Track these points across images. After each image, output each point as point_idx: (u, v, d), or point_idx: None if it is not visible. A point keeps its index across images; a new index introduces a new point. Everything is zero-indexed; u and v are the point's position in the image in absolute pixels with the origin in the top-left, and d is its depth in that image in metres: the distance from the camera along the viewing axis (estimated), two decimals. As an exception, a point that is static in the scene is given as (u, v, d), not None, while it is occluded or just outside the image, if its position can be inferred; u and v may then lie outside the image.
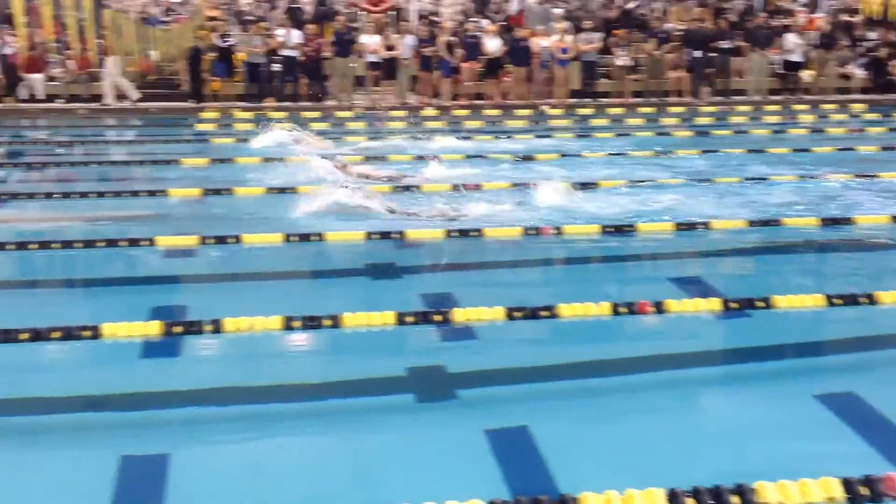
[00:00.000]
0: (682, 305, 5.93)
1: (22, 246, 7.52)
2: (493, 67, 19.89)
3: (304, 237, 7.87)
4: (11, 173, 11.61)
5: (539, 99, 19.88)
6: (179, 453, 4.16)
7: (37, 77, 19.04)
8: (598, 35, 20.25)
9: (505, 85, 20.10)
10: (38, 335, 5.20)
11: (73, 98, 19.32)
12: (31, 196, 9.80)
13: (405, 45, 19.61)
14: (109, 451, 4.15)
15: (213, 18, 20.86)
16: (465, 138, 14.91)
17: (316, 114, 18.09)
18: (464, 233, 8.07)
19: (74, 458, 4.21)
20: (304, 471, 4.08)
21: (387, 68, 19.58)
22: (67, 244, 7.55)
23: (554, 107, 19.28)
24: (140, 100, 19.19)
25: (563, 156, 12.77)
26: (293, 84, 19.80)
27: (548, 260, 7.89)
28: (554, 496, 3.37)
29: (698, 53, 20.09)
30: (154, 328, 5.40)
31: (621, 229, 8.32)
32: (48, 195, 9.71)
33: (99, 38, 19.59)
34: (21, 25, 19.56)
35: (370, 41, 19.58)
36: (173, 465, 4.04)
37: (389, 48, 19.57)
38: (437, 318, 5.65)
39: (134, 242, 7.60)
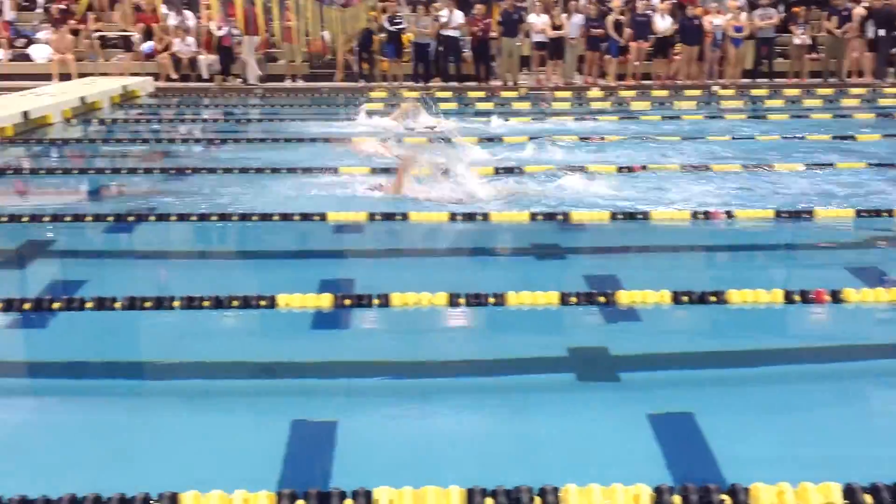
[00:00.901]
0: (861, 295, 5.66)
1: (203, 217, 7.90)
2: (663, 46, 19.47)
3: (470, 216, 7.94)
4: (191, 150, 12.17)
5: (710, 79, 19.34)
6: (346, 421, 4.25)
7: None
8: (775, 11, 19.48)
9: (674, 65, 19.65)
10: (220, 303, 5.45)
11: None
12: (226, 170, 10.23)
13: (572, 25, 19.44)
14: (281, 416, 4.28)
15: (384, 0, 21.32)
16: (630, 119, 14.70)
17: (481, 93, 18.18)
18: (630, 215, 7.95)
19: (248, 421, 4.36)
20: (465, 446, 4.11)
21: (553, 48, 19.46)
22: (245, 217, 7.88)
23: (726, 87, 18.71)
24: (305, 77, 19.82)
25: (734, 138, 12.38)
26: (459, 64, 19.97)
27: (717, 245, 7.69)
28: (722, 486, 3.29)
29: (883, 32, 19.03)
30: (325, 300, 5.56)
31: (797, 215, 8.00)
32: (227, 171, 10.15)
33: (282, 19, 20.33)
34: (214, 8, 20.47)
35: (537, 21, 19.51)
36: (341, 433, 4.13)
37: (556, 28, 19.44)
38: (601, 299, 5.59)
39: (306, 217, 7.86)
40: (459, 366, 5.10)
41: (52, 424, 4.37)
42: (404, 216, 7.86)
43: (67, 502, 3.11)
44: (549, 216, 8.01)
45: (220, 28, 20.03)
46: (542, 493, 3.16)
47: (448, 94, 18.25)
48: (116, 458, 3.95)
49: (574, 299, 5.55)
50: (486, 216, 7.92)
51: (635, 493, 3.16)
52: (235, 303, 5.46)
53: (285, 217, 7.78)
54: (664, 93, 18.32)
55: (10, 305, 5.42)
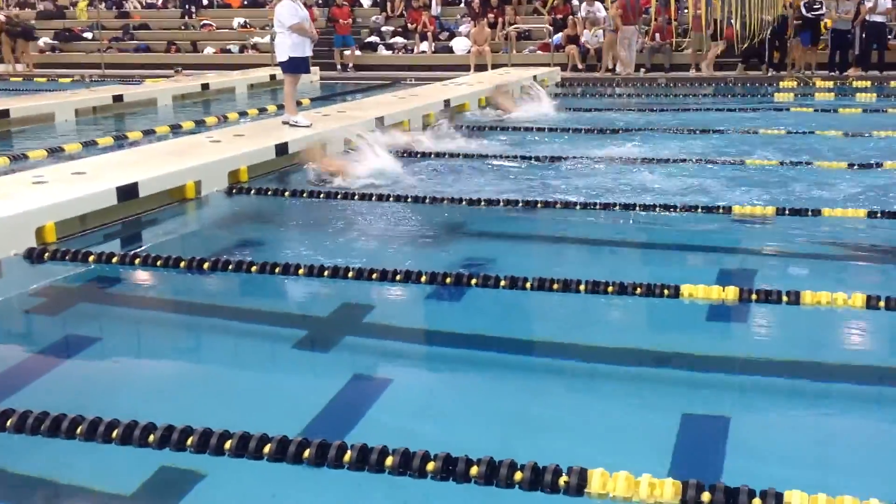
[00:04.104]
0: None
1: (607, 206, 8.07)
2: None
3: (891, 214, 7.39)
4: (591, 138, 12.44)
5: None
6: (740, 418, 4.18)
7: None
8: None
9: None
10: (624, 289, 5.57)
11: (654, 68, 20.19)
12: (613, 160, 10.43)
13: None
14: (671, 408, 4.27)
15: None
16: None
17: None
18: None
19: (637, 409, 4.38)
20: (874, 453, 3.88)
21: None
22: (648, 208, 7.95)
23: None
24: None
25: None
26: (883, 52, 18.50)
27: None
28: None
29: None
30: (730, 293, 5.47)
31: None
32: (629, 160, 10.28)
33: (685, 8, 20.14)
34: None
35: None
36: (733, 429, 4.06)
37: None
38: None
39: (709, 210, 7.77)
40: (866, 371, 4.79)
41: (463, 389, 4.71)
42: (816, 212, 7.50)
43: (487, 463, 3.36)
44: None
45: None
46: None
47: (867, 83, 16.97)
48: (519, 427, 4.17)
49: None
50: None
51: None
52: (639, 290, 5.54)
53: (687, 209, 7.77)
54: None
55: (433, 278, 5.93)
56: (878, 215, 7.43)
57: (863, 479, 3.61)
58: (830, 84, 17.41)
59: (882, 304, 5.13)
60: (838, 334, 5.35)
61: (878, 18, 18.30)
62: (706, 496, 3.17)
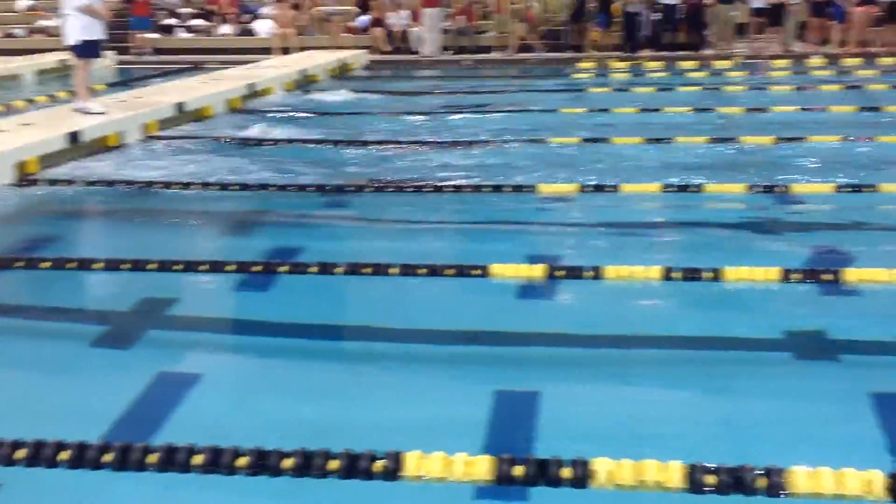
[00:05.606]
0: None
1: (418, 189, 8.09)
2: (893, 12, 18.22)
3: (683, 188, 7.76)
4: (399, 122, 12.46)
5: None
6: (550, 391, 4.26)
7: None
8: None
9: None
10: (434, 270, 5.58)
11: (460, 50, 20.45)
12: (423, 143, 10.47)
13: (795, -11, 18.52)
14: (485, 385, 4.31)
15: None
16: (853, 88, 13.91)
17: (693, 63, 17.63)
18: (855, 187, 7.53)
19: (453, 388, 4.43)
20: (673, 421, 4.04)
21: (773, 14, 18.59)
22: (458, 187, 8.02)
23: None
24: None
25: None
26: (672, 33, 19.45)
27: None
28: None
29: None
30: (538, 271, 5.59)
31: None
32: (437, 143, 10.35)
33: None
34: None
35: (757, -14, 18.70)
36: (544, 403, 4.15)
37: (778, -8, 18.58)
38: (826, 277, 5.33)
39: (517, 188, 7.93)
40: (670, 340, 5.00)
41: (276, 380, 4.60)
42: (615, 188, 7.78)
43: (300, 455, 3.28)
44: (768, 188, 7.71)
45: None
46: (768, 473, 3.06)
47: (659, 64, 17.80)
48: (335, 414, 4.12)
49: (797, 276, 5.31)
50: (699, 187, 7.71)
51: (868, 479, 3.01)
52: (450, 272, 5.57)
53: (495, 188, 7.89)
54: (892, 61, 17.13)
55: (241, 267, 5.76)
56: (672, 189, 7.78)
57: (666, 443, 3.75)
58: (625, 65, 18.14)
59: (677, 275, 5.36)
60: (639, 306, 5.54)
61: (669, 1, 19.19)
62: (519, 470, 3.20)
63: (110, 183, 8.39)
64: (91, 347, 4.91)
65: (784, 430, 3.92)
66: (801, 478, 3.04)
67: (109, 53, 18.98)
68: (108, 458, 3.32)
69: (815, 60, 17.57)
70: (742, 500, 3.06)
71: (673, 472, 3.09)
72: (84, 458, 3.33)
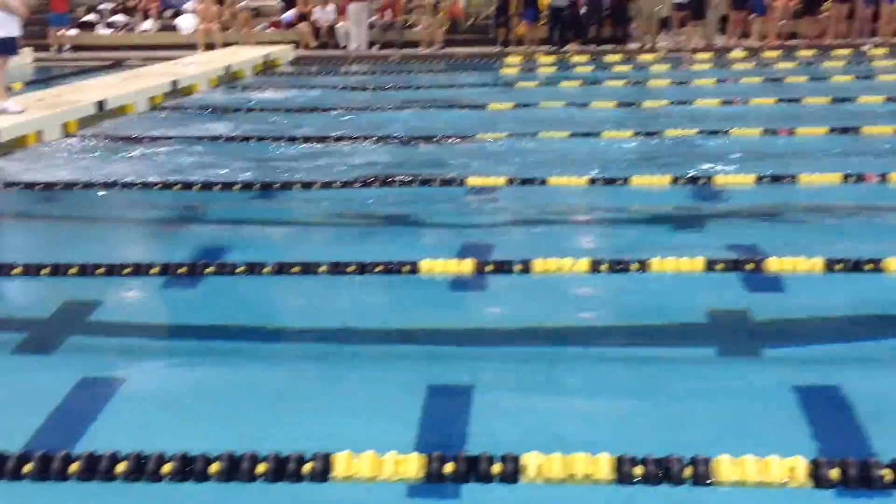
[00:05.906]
0: None
1: (347, 184, 8.04)
2: (811, 4, 18.65)
3: (609, 181, 7.84)
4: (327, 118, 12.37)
5: (861, 38, 18.42)
6: (481, 386, 4.27)
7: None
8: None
9: (823, 23, 18.80)
10: (364, 268, 5.53)
11: (388, 45, 20.37)
12: (351, 139, 10.40)
13: (716, -17, 18.84)
14: (417, 382, 4.30)
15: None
16: (774, 81, 14.20)
17: (618, 57, 17.82)
18: (776, 179, 7.69)
19: (384, 386, 4.40)
20: (604, 413, 4.09)
21: (695, 8, 18.88)
22: (386, 182, 7.98)
23: (878, 46, 17.80)
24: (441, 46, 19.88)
25: (889, 99, 11.78)
26: (597, 27, 19.64)
27: (872, 209, 7.36)
28: (882, 461, 3.16)
29: None
30: (467, 266, 5.59)
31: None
32: (366, 138, 10.30)
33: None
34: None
35: (678, -20, 18.98)
36: (476, 397, 4.15)
37: (699, -13, 18.87)
38: (749, 266, 5.43)
39: (446, 182, 7.92)
40: (599, 332, 5.07)
41: (203, 383, 4.54)
42: (543, 181, 7.82)
43: (227, 459, 3.22)
44: (692, 180, 7.83)
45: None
46: (694, 462, 3.10)
47: (585, 57, 17.96)
48: (264, 416, 4.07)
49: (721, 266, 5.39)
50: (625, 180, 7.80)
51: (791, 466, 3.07)
52: (379, 268, 5.53)
53: (425, 183, 7.87)
54: (812, 52, 17.55)
55: (165, 270, 5.65)
56: (598, 182, 7.85)
57: (594, 434, 3.78)
58: (552, 59, 18.26)
59: (604, 267, 5.41)
60: (567, 299, 5.58)
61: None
62: (449, 467, 3.19)
63: (29, 185, 8.16)
64: (11, 355, 4.77)
65: (711, 421, 3.98)
66: (727, 466, 3.09)
67: (27, 50, 18.48)
68: (27, 468, 3.22)
69: (737, 53, 17.91)
70: (669, 491, 3.10)
71: (601, 465, 3.11)
72: (2, 469, 3.23)
